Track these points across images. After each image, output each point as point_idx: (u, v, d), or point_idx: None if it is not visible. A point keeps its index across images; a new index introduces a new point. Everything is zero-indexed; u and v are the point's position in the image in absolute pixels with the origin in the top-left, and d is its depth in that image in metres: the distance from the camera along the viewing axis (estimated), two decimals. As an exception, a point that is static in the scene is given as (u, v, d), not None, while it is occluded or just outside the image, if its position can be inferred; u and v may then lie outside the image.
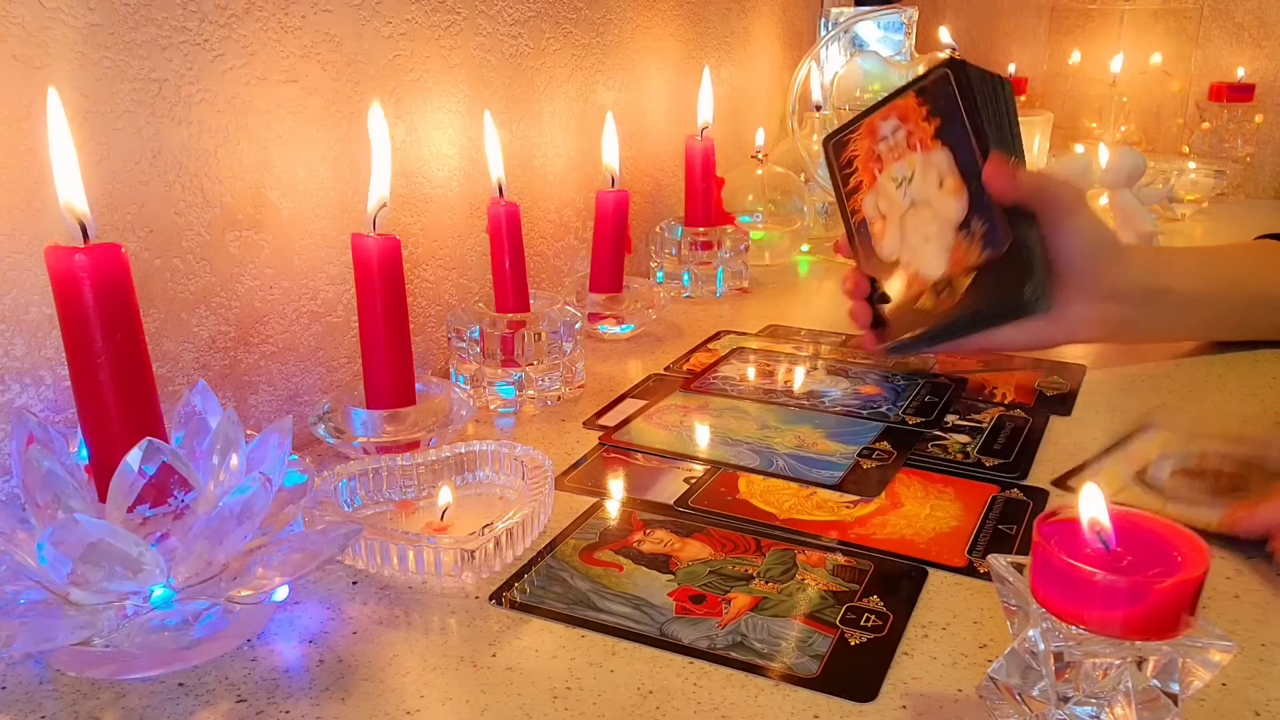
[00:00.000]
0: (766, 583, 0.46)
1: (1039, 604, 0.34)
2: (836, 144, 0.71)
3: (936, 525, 0.52)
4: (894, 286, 0.67)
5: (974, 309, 0.62)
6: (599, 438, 0.63)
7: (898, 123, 0.66)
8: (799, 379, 0.73)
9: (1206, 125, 1.48)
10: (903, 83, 0.68)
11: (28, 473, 0.40)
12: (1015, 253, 0.61)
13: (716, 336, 0.83)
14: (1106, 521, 0.35)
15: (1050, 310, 0.63)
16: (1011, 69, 1.57)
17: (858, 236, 0.70)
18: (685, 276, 0.95)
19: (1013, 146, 0.65)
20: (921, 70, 1.08)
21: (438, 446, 0.56)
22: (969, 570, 0.48)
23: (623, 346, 0.81)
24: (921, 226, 0.65)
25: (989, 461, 0.59)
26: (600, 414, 0.67)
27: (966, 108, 0.62)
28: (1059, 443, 0.61)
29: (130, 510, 0.40)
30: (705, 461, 0.59)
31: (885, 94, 0.68)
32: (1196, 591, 0.32)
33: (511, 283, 0.68)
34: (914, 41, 1.29)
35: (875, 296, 0.69)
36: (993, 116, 0.63)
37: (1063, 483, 0.56)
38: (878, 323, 0.69)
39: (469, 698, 0.39)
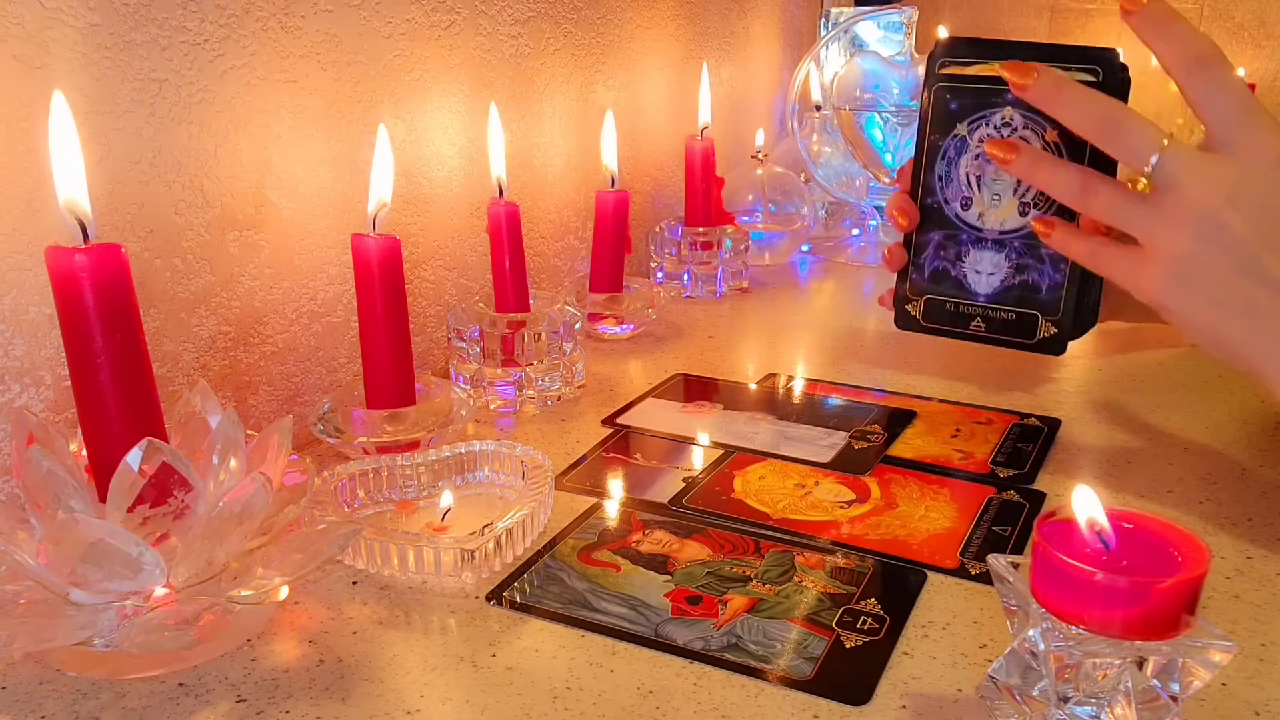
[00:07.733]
0: (764, 584, 0.46)
1: (1039, 604, 0.34)
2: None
3: (930, 526, 0.52)
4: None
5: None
6: (601, 420, 0.65)
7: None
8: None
9: (1207, 125, 1.47)
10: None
11: (28, 473, 0.40)
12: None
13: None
14: (1105, 522, 0.35)
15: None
16: None
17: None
18: (685, 276, 0.95)
19: None
20: (921, 71, 1.07)
21: (438, 446, 0.56)
22: (960, 572, 0.47)
23: (623, 346, 0.81)
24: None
25: (1002, 473, 0.57)
26: (619, 413, 0.67)
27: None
28: (1069, 448, 0.62)
29: (130, 510, 0.40)
30: (714, 446, 0.61)
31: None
32: (1196, 591, 0.32)
33: (511, 283, 0.68)
34: (914, 41, 1.29)
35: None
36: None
37: None
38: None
39: (469, 698, 0.39)
